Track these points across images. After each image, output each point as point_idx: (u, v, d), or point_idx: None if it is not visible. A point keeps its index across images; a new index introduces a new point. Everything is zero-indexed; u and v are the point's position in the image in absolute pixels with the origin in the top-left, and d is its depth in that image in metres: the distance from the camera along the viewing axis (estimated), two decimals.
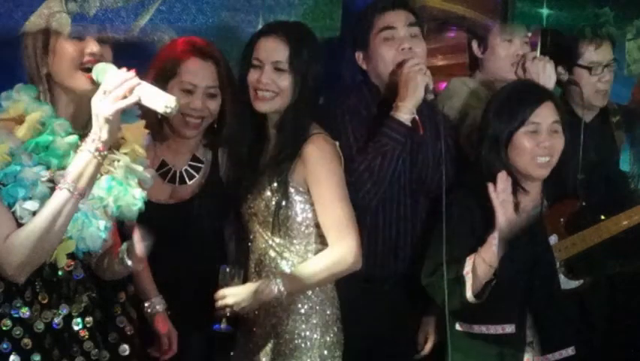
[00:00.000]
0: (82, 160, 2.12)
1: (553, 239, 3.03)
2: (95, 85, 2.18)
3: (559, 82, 3.19)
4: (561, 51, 3.29)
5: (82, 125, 2.27)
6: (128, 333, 2.42)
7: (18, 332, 2.28)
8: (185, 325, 2.74)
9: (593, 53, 3.27)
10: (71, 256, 2.33)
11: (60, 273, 2.33)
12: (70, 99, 2.29)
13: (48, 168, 2.20)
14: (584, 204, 3.11)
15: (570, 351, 2.84)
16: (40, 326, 2.30)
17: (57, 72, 2.26)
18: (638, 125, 3.69)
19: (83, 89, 2.24)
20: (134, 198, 2.32)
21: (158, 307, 2.68)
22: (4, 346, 2.26)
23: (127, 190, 2.31)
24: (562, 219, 3.01)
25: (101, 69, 2.19)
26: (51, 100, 2.27)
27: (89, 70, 2.22)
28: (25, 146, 2.19)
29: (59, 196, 2.13)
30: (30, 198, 2.16)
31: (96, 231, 2.30)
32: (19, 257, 2.14)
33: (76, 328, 2.36)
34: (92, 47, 2.24)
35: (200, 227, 2.77)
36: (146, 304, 2.67)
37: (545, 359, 2.83)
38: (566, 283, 3.05)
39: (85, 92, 2.23)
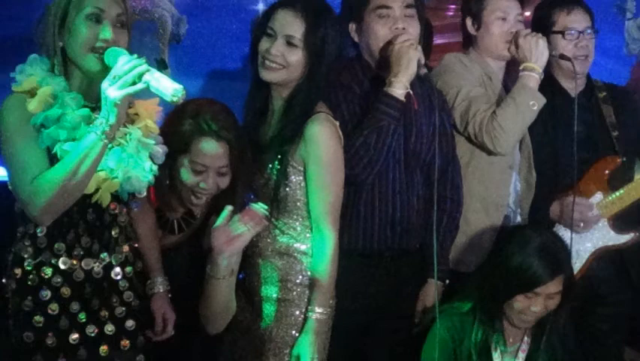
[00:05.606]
0: (88, 142, 2.15)
1: (598, 197, 3.16)
2: (105, 67, 2.20)
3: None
4: (536, 21, 3.32)
5: (95, 99, 2.27)
6: (135, 309, 2.43)
7: (58, 280, 2.30)
8: (185, 326, 2.69)
9: (565, 18, 3.27)
10: (116, 199, 2.34)
11: (104, 217, 2.34)
12: (83, 74, 2.31)
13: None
14: (624, 159, 3.18)
15: None
16: (79, 275, 2.31)
17: (70, 49, 2.28)
18: None
19: (92, 70, 2.26)
20: (144, 171, 2.34)
21: (159, 287, 2.63)
22: (44, 294, 2.28)
23: (137, 163, 2.33)
24: (606, 173, 3.10)
25: (113, 53, 2.21)
26: (65, 73, 2.29)
27: (101, 53, 2.23)
28: (35, 119, 2.20)
29: (87, 139, 2.15)
30: (72, 140, 2.19)
31: (142, 172, 2.33)
32: (43, 199, 2.15)
33: (115, 278, 2.38)
34: (106, 33, 2.25)
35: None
36: (148, 282, 2.62)
37: None
38: (616, 239, 3.16)
39: (94, 74, 2.26)
